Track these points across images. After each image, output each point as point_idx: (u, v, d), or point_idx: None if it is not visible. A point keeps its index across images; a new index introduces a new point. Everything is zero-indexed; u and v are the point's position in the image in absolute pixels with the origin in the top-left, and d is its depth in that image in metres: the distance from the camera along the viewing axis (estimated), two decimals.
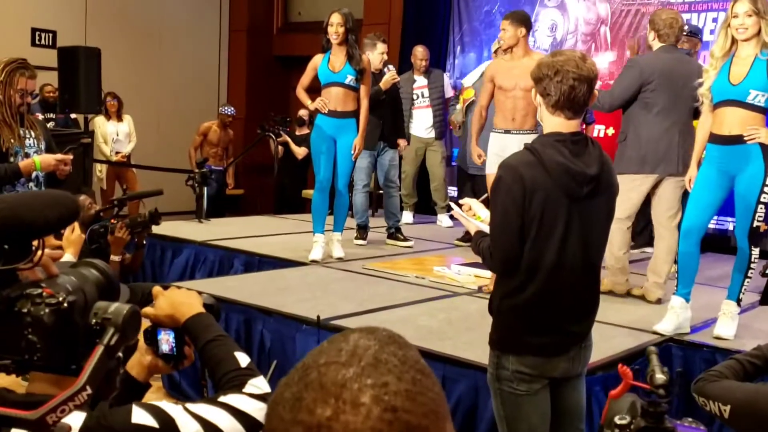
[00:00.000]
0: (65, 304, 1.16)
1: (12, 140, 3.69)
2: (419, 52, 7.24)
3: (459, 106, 6.56)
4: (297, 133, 9.05)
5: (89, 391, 1.10)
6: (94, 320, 1.18)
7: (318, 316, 3.77)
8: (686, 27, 5.89)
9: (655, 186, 4.53)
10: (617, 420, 1.40)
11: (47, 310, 1.15)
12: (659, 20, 4.59)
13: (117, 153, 8.37)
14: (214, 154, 8.97)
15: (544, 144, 2.40)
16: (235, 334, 4.02)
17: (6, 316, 1.16)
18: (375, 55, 6.07)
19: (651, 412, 1.40)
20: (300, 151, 8.82)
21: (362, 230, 6.22)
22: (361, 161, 6.02)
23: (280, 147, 8.86)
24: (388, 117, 6.27)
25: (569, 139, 2.39)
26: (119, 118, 8.45)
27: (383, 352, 0.76)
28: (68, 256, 2.77)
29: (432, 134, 7.18)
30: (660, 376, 1.44)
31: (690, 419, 1.37)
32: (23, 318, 1.15)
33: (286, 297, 4.32)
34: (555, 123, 2.41)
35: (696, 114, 4.40)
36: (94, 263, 1.31)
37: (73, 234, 2.72)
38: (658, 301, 4.46)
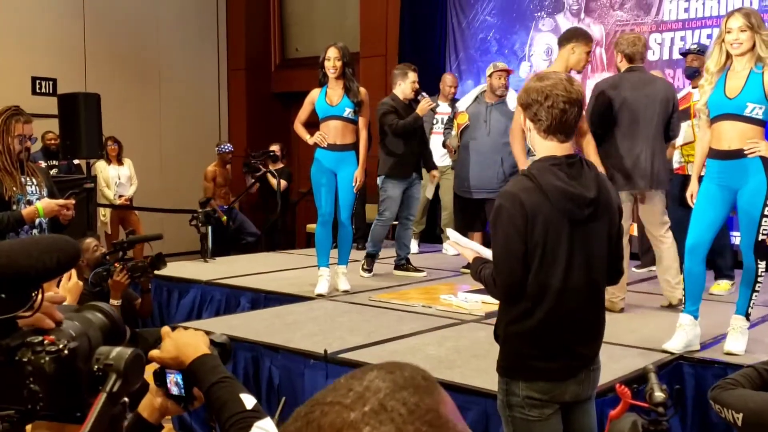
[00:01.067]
0: (66, 352, 1.14)
1: (14, 188, 3.71)
2: (449, 80, 7.38)
3: (454, 132, 6.59)
4: (271, 167, 8.97)
5: None
6: (96, 366, 1.16)
7: (325, 351, 3.75)
8: (694, 45, 6.06)
9: (636, 205, 4.79)
10: None
11: (47, 359, 1.13)
12: (622, 41, 4.89)
13: (120, 196, 8.42)
14: (224, 195, 8.97)
15: (540, 169, 2.40)
16: (243, 371, 4.01)
17: (7, 365, 1.15)
18: (407, 84, 6.10)
19: (652, 431, 1.38)
20: (278, 183, 8.66)
21: (370, 259, 6.17)
22: (393, 190, 6.02)
23: (256, 184, 8.86)
24: (416, 147, 6.21)
25: (565, 162, 2.39)
26: (120, 162, 8.52)
27: (392, 398, 0.72)
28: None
29: (447, 161, 7.14)
30: (659, 394, 1.43)
31: None
32: (24, 367, 1.14)
33: (293, 332, 4.30)
34: (548, 147, 2.41)
35: (667, 130, 4.75)
36: (99, 306, 1.30)
37: (70, 282, 2.69)
38: (680, 302, 4.39)
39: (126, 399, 1.20)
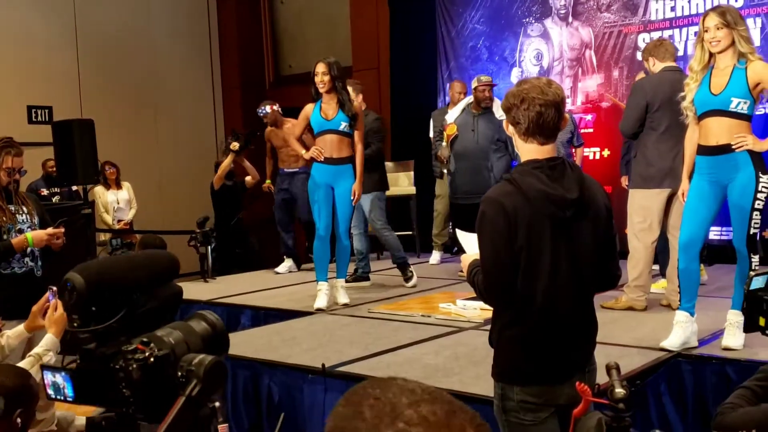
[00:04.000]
0: (152, 359, 1.24)
1: (3, 218, 3.77)
2: (458, 86, 7.47)
3: (444, 143, 6.65)
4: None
5: None
6: (180, 372, 1.24)
7: (323, 365, 3.76)
8: None
9: (668, 201, 4.75)
10: None
11: (135, 366, 1.24)
12: (649, 46, 5.02)
13: (119, 221, 8.44)
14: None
15: (522, 173, 2.42)
16: (242, 389, 4.01)
17: (104, 372, 1.27)
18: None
19: (616, 427, 1.40)
20: (250, 178, 7.88)
21: (405, 266, 6.28)
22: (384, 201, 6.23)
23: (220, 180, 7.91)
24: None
25: (546, 165, 2.40)
26: (118, 186, 8.54)
27: None
28: (50, 337, 2.75)
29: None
30: (620, 390, 1.44)
31: (657, 431, 1.36)
32: (117, 373, 1.26)
33: (293, 348, 4.31)
34: (530, 150, 2.43)
35: None
36: (205, 315, 1.39)
37: (56, 313, 2.70)
38: None
39: (217, 403, 1.29)
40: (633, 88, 5.05)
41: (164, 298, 1.43)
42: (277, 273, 7.22)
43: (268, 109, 7.41)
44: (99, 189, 8.27)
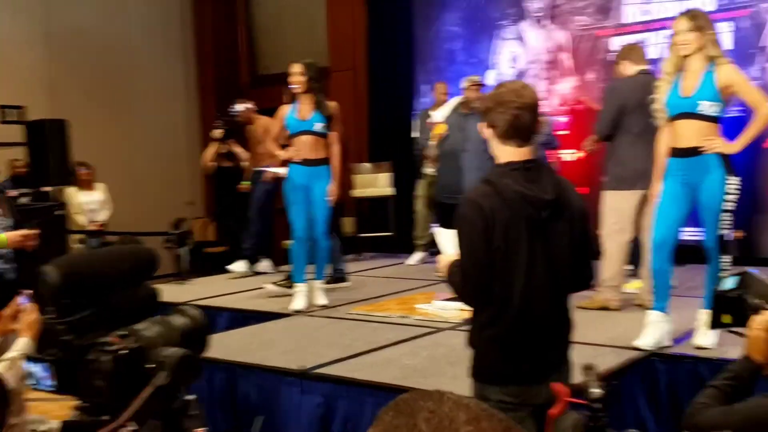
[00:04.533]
0: (124, 351, 1.27)
1: None
2: (441, 88, 7.53)
3: (432, 142, 6.67)
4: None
5: (133, 427, 1.21)
6: (150, 365, 1.27)
7: (300, 367, 3.76)
8: None
9: (641, 202, 4.79)
10: None
11: (107, 357, 1.26)
12: (622, 50, 5.10)
13: (93, 222, 8.35)
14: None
15: (499, 174, 2.45)
16: (219, 392, 4.00)
17: (79, 364, 1.29)
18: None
19: (593, 427, 1.42)
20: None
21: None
22: None
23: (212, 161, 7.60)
24: None
25: (523, 167, 2.43)
26: (91, 187, 8.45)
27: None
28: (25, 340, 2.71)
29: (430, 170, 7.12)
30: (596, 390, 1.47)
31: (633, 431, 1.39)
32: (91, 365, 1.28)
33: (270, 350, 4.30)
34: (507, 152, 2.46)
35: None
36: (185, 310, 1.41)
37: (30, 317, 2.65)
38: None
39: (193, 396, 1.33)
40: (607, 90, 5.11)
41: (145, 292, 1.44)
42: (231, 272, 6.91)
43: (241, 107, 7.32)
44: (71, 190, 8.16)
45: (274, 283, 6.08)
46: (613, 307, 4.91)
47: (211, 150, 7.64)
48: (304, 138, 5.39)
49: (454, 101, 6.69)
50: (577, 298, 4.64)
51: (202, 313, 1.40)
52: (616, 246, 4.88)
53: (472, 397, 0.82)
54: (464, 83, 6.46)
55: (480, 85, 6.40)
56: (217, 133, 7.46)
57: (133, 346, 1.27)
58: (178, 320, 1.37)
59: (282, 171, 6.01)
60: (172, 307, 4.62)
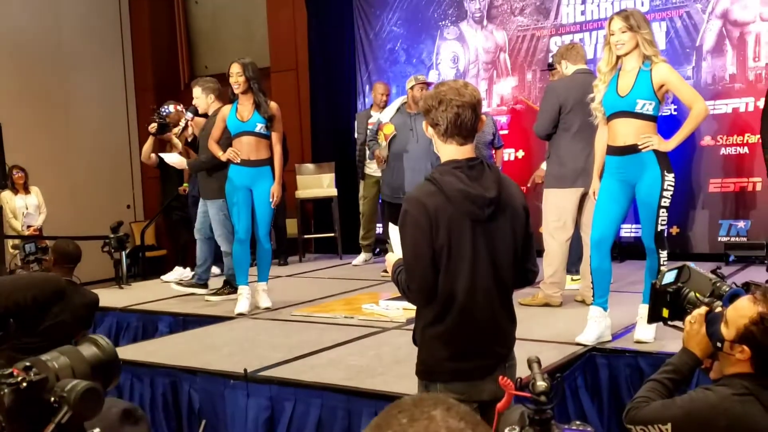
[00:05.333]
0: (24, 384, 1.20)
1: None
2: (380, 88, 7.50)
3: (383, 143, 6.66)
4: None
5: None
6: (52, 398, 1.21)
7: (245, 370, 3.71)
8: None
9: (581, 200, 4.89)
10: (508, 431, 1.44)
11: (6, 390, 1.19)
12: (561, 50, 5.18)
13: (29, 227, 8.12)
14: None
15: (442, 172, 2.46)
16: (161, 397, 3.92)
17: None
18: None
19: (538, 420, 1.44)
20: (179, 161, 6.45)
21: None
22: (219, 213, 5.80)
23: (153, 154, 7.24)
24: None
25: (466, 165, 2.45)
26: (27, 191, 8.22)
27: None
28: None
29: (379, 172, 7.07)
30: (541, 383, 1.49)
31: (578, 422, 1.41)
32: None
33: (213, 354, 4.24)
34: (449, 151, 2.47)
35: None
36: (96, 340, 1.34)
37: None
38: None
39: (96, 430, 1.26)
40: (546, 90, 5.19)
41: (52, 320, 1.39)
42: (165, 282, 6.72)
43: (171, 108, 7.06)
44: (6, 194, 7.95)
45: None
46: (555, 303, 4.99)
47: (148, 144, 7.40)
48: (245, 139, 5.33)
49: (398, 101, 6.69)
50: (520, 295, 4.79)
51: (111, 344, 1.35)
52: (557, 243, 4.96)
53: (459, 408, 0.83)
54: (411, 82, 6.45)
55: (426, 84, 6.40)
56: (152, 127, 7.20)
57: (34, 379, 1.21)
58: (87, 350, 1.31)
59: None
60: (108, 316, 4.51)
